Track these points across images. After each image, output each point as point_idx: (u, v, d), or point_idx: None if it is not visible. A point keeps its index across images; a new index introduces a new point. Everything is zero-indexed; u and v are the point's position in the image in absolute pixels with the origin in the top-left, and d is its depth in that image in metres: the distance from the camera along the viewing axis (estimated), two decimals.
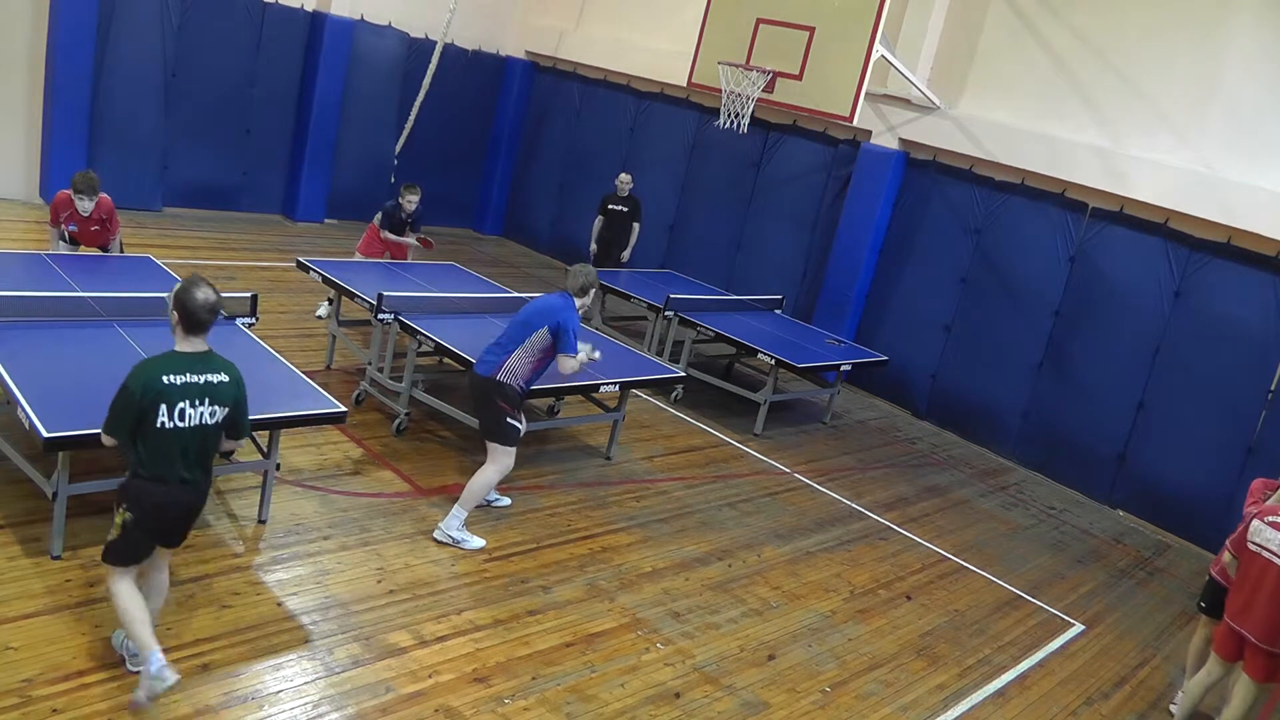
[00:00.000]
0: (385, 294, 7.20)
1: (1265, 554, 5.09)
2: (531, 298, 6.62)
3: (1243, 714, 5.22)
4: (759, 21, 10.08)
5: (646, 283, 10.63)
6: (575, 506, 6.76)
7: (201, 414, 3.87)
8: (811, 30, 9.67)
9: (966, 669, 5.85)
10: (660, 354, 9.68)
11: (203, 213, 12.41)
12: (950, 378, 10.51)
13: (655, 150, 13.29)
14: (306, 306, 9.67)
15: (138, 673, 4.13)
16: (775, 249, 12.04)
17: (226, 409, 3.97)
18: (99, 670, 4.15)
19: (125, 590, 3.91)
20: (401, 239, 9.38)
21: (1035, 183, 9.87)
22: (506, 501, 6.51)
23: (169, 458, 3.84)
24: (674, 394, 9.38)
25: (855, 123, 9.74)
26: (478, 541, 5.90)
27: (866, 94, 9.53)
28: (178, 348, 3.88)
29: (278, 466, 5.67)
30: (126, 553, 3.92)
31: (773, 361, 8.81)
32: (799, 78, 9.78)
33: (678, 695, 4.94)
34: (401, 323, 7.18)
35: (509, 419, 5.81)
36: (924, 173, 10.69)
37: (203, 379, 3.86)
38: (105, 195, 7.51)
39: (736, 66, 10.13)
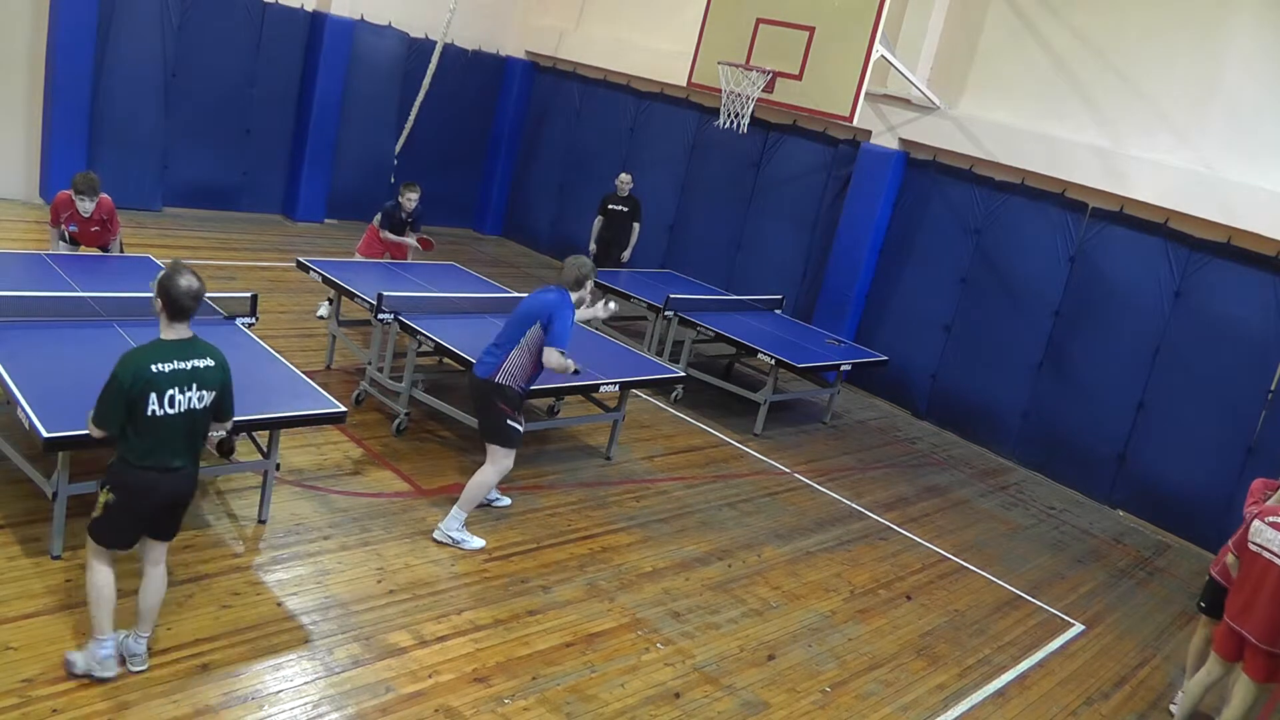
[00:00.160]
0: (385, 294, 7.20)
1: (1266, 554, 5.09)
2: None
3: (1242, 714, 5.23)
4: (759, 21, 10.08)
5: (646, 283, 10.63)
6: (575, 506, 6.76)
7: (190, 399, 3.92)
8: (811, 30, 9.67)
9: (966, 669, 5.86)
10: (660, 354, 9.69)
11: (203, 213, 12.41)
12: (950, 378, 10.51)
13: (655, 150, 13.30)
14: (306, 306, 9.67)
15: (138, 673, 4.15)
16: (775, 249, 12.04)
17: (214, 393, 4.02)
18: None
19: (99, 569, 4.01)
20: (401, 239, 9.36)
21: (1035, 183, 9.87)
22: (507, 501, 6.51)
23: (159, 445, 3.89)
24: (674, 394, 9.38)
25: (855, 123, 9.74)
26: (478, 542, 5.90)
27: (866, 94, 9.53)
28: (163, 335, 3.94)
29: (278, 466, 5.67)
30: (109, 533, 3.99)
31: (773, 361, 8.81)
32: (799, 78, 9.78)
33: (678, 695, 4.94)
34: (401, 323, 7.18)
35: (509, 421, 5.80)
36: (924, 173, 10.69)
37: (189, 365, 3.91)
38: (106, 196, 7.51)
39: (736, 66, 10.13)
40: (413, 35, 13.51)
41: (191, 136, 12.14)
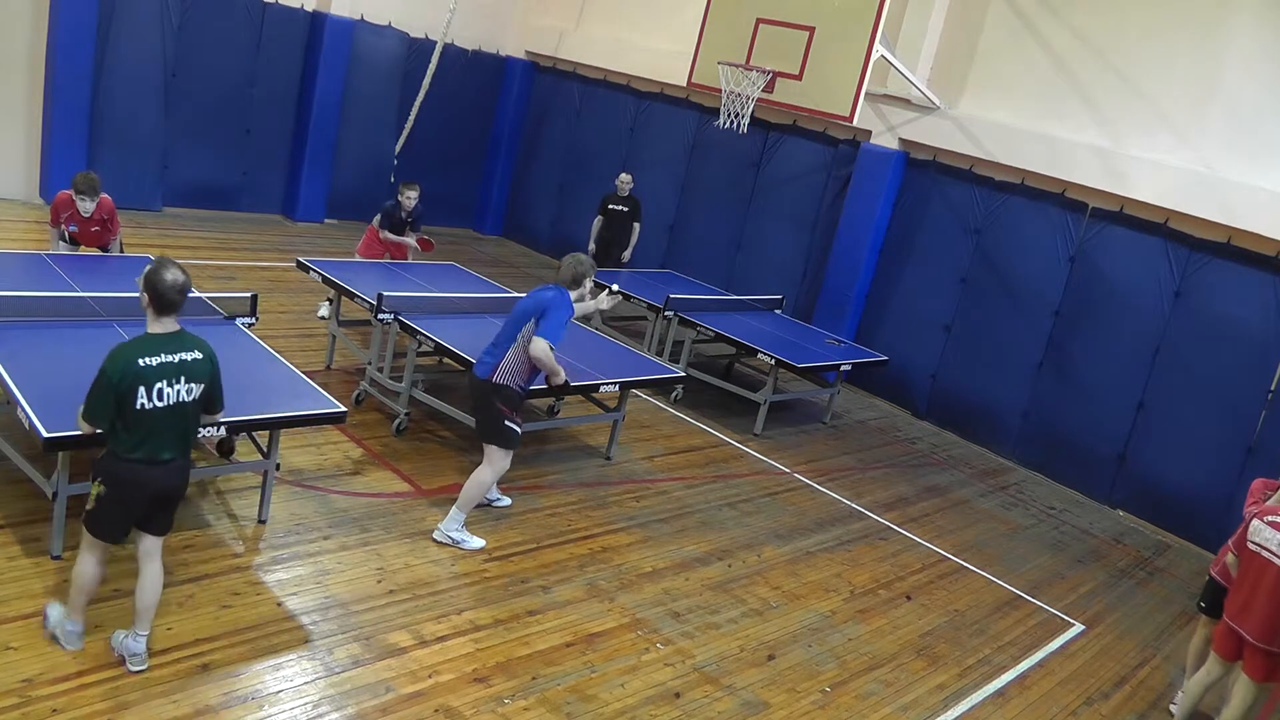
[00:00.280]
0: (385, 294, 7.20)
1: (1264, 553, 5.09)
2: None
3: (1242, 714, 5.23)
4: (759, 21, 10.08)
5: (646, 283, 10.63)
6: (575, 506, 6.76)
7: (179, 391, 3.96)
8: (811, 30, 9.67)
9: (966, 669, 5.86)
10: (660, 354, 9.68)
11: (203, 213, 12.41)
12: (950, 378, 10.51)
13: (655, 150, 13.30)
14: (306, 306, 9.67)
15: (137, 672, 4.16)
16: (775, 249, 12.04)
17: (203, 385, 4.07)
18: (99, 670, 4.15)
19: (88, 560, 4.11)
20: (401, 239, 9.35)
21: (1035, 183, 9.87)
22: (507, 501, 6.51)
23: (148, 438, 3.92)
24: (674, 394, 9.38)
25: (855, 123, 9.75)
26: (477, 542, 5.90)
27: (866, 94, 9.53)
28: (150, 329, 3.98)
29: (278, 466, 5.67)
30: (103, 525, 4.05)
31: (773, 361, 8.81)
32: (799, 78, 9.78)
33: (678, 695, 4.94)
34: (401, 323, 7.18)
35: (508, 422, 5.79)
36: (924, 173, 10.69)
37: (177, 358, 3.96)
38: (106, 196, 7.51)
39: (736, 66, 10.13)
40: (413, 35, 13.51)
41: (191, 136, 12.14)
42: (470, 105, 14.55)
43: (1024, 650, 6.25)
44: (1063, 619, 6.83)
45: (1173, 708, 5.85)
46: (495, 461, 5.85)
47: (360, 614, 4.99)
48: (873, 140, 10.90)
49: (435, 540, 5.84)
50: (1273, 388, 8.38)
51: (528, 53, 14.83)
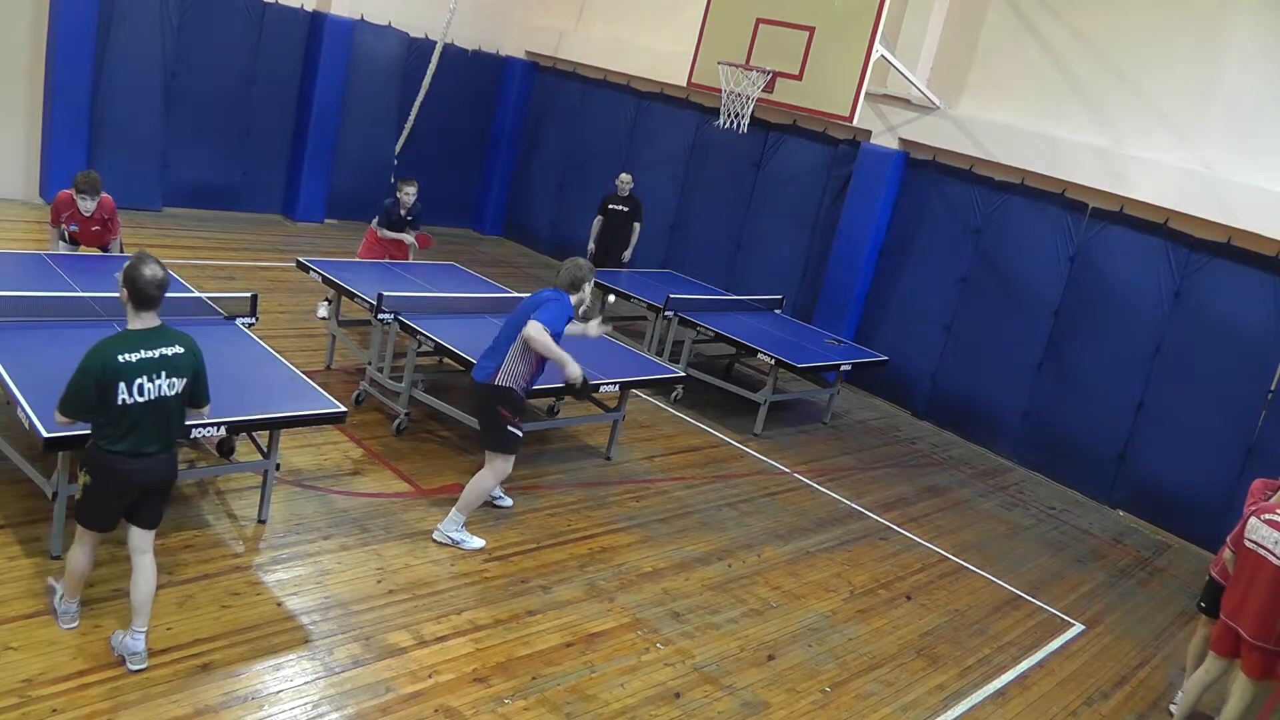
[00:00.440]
0: (385, 294, 7.20)
1: (1260, 551, 5.10)
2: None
3: (1241, 712, 5.23)
4: (759, 21, 10.08)
5: (646, 283, 10.63)
6: (575, 506, 6.76)
7: (160, 386, 3.98)
8: (811, 30, 9.68)
9: (966, 669, 5.86)
10: (660, 354, 9.68)
11: (203, 213, 12.41)
12: (950, 378, 10.51)
13: (655, 150, 13.29)
14: (306, 306, 9.67)
15: (137, 672, 4.16)
16: (775, 249, 12.04)
17: (185, 379, 4.09)
18: (99, 670, 4.15)
19: (80, 550, 4.21)
20: (399, 235, 9.34)
21: (1035, 183, 9.87)
22: (509, 502, 6.51)
23: (131, 432, 3.96)
24: (674, 394, 9.38)
25: (855, 123, 9.75)
26: (477, 542, 5.90)
27: (866, 94, 9.54)
28: (130, 325, 4.01)
29: (278, 466, 5.67)
30: (92, 516, 4.12)
31: (773, 361, 8.81)
32: (799, 78, 9.79)
33: (678, 695, 4.94)
34: (401, 323, 7.18)
35: (509, 426, 5.75)
36: (924, 173, 10.69)
37: (157, 353, 3.98)
38: (107, 195, 7.51)
39: (736, 66, 10.13)
40: (413, 35, 13.51)
41: (191, 136, 12.14)
42: (470, 105, 14.56)
43: (1024, 650, 6.25)
44: (1063, 619, 6.83)
45: (1172, 708, 5.85)
46: (496, 466, 5.84)
47: (360, 614, 4.99)
48: (873, 140, 10.90)
49: (435, 540, 5.84)
50: (1273, 388, 8.38)
51: (527, 53, 14.83)
